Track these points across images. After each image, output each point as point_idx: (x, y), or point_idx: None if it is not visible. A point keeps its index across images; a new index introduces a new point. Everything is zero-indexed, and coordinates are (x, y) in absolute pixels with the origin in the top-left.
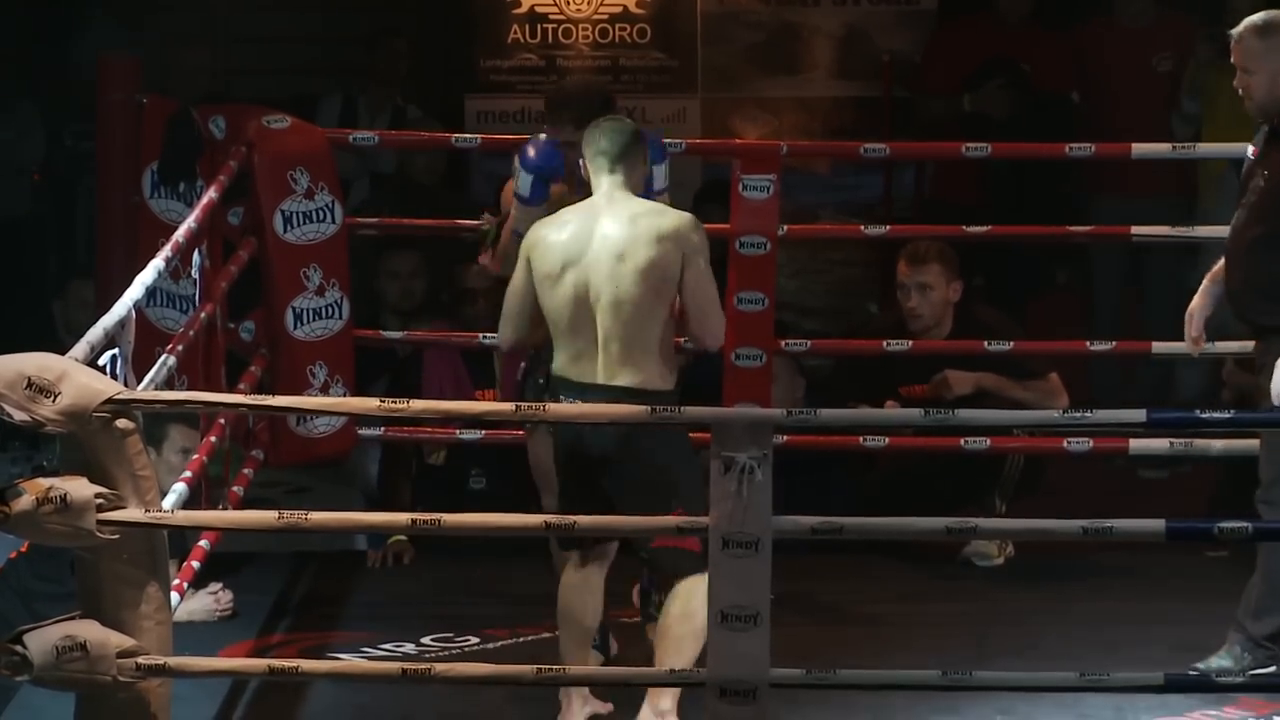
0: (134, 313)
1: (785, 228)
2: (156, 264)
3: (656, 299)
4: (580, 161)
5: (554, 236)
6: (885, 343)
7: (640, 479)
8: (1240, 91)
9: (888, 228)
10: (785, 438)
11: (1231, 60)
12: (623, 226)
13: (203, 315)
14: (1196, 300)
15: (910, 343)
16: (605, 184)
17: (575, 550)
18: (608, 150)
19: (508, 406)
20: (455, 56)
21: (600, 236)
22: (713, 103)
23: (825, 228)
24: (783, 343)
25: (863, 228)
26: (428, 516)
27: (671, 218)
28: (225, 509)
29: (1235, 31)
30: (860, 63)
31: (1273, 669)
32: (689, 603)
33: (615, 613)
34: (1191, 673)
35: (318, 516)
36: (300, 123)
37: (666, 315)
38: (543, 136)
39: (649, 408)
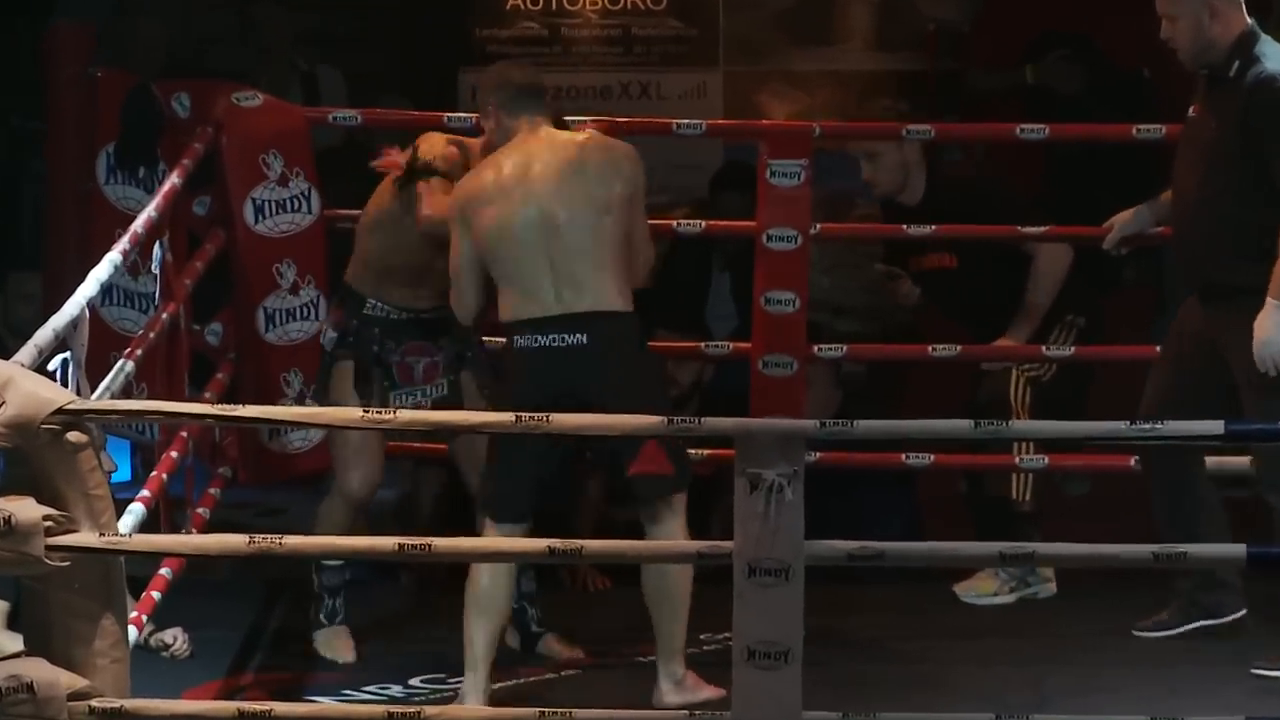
0: (87, 313)
1: (819, 226)
2: (113, 258)
3: (616, 221)
4: (490, 114)
5: (494, 174)
6: (931, 348)
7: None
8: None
9: (933, 227)
10: (818, 454)
11: (1158, 11)
12: (564, 151)
13: (164, 316)
14: (1126, 214)
15: (959, 348)
16: (526, 127)
17: (509, 524)
18: (527, 88)
19: (507, 417)
20: (448, 25)
21: (542, 165)
22: (736, 77)
23: (862, 227)
24: (815, 348)
25: (906, 228)
26: (417, 541)
27: (613, 141)
28: (189, 533)
29: None
30: (902, 33)
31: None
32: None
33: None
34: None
35: (293, 541)
36: (275, 101)
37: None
38: None
39: (665, 419)
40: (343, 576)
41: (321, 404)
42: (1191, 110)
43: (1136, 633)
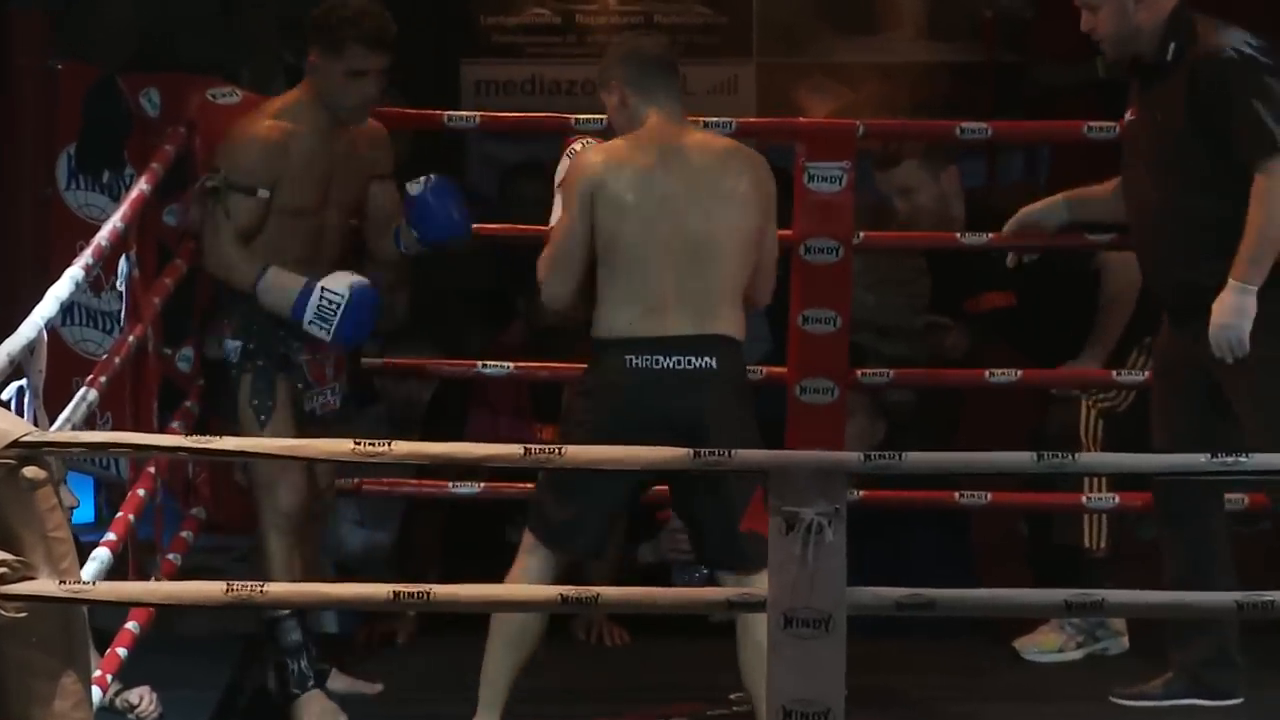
0: (46, 334)
1: (862, 235)
2: (74, 273)
3: (748, 240)
4: (613, 89)
5: (634, 166)
6: (988, 372)
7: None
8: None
9: (990, 236)
10: (861, 491)
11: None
12: (714, 160)
13: (131, 338)
14: (1035, 205)
15: (1019, 372)
16: (656, 115)
17: (566, 550)
18: (660, 64)
19: (515, 449)
20: (448, 12)
21: (692, 171)
22: (771, 70)
23: (911, 236)
24: (858, 373)
25: (959, 236)
26: (413, 589)
27: (755, 155)
28: (159, 580)
29: None
30: (957, 21)
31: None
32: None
33: (698, 706)
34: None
35: (276, 589)
36: (255, 98)
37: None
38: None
39: (691, 452)
40: (299, 634)
41: (236, 429)
42: (1128, 114)
43: (1114, 699)
